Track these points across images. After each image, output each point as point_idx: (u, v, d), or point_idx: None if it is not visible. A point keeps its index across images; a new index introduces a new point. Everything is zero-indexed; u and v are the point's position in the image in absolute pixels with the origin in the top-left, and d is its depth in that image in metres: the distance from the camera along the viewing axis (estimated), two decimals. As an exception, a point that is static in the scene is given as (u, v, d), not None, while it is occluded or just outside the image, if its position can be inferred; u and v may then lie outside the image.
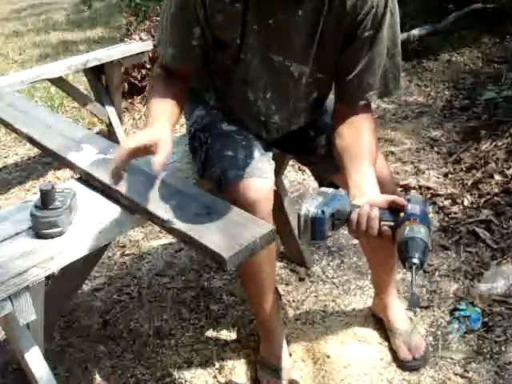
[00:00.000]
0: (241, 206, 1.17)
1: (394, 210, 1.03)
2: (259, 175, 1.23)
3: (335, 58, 1.23)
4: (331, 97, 1.37)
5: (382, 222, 1.02)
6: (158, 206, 1.17)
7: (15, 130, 1.72)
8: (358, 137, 1.20)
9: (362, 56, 1.18)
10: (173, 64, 1.24)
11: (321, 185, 1.56)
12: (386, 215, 1.03)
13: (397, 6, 1.18)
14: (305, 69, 1.24)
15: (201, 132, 1.38)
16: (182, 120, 3.33)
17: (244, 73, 1.25)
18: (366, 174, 1.13)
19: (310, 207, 1.03)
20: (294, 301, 1.76)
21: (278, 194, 1.71)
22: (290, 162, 2.20)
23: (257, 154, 1.28)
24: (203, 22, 1.17)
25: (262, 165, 1.26)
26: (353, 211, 1.03)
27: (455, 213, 2.07)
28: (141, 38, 3.33)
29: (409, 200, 1.05)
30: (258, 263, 1.29)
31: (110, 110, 2.89)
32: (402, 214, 1.02)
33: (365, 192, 1.09)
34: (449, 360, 1.50)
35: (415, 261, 0.96)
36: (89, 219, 1.19)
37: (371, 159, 1.17)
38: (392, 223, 1.02)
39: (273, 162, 1.32)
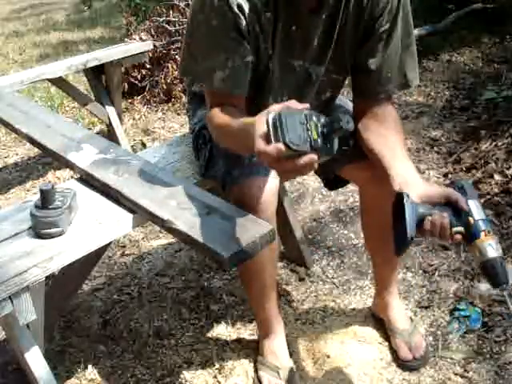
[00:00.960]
0: (245, 206, 1.16)
1: (455, 208, 1.03)
2: (265, 174, 1.22)
3: (351, 57, 1.23)
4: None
5: (453, 229, 1.03)
6: (158, 205, 1.17)
7: (15, 130, 1.72)
8: (385, 128, 1.21)
9: (379, 51, 1.19)
10: (225, 89, 1.13)
11: (326, 179, 1.55)
12: (454, 220, 1.03)
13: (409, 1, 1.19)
14: (321, 69, 1.24)
15: (206, 130, 1.38)
16: (182, 120, 3.35)
17: (269, 83, 1.22)
18: (405, 163, 1.14)
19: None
20: (294, 301, 1.76)
21: (278, 194, 1.71)
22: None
23: None
24: (246, 33, 1.11)
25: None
26: (425, 218, 1.02)
27: (455, 213, 2.07)
28: (141, 38, 3.34)
29: (462, 189, 1.05)
30: (260, 263, 1.29)
31: (110, 110, 2.89)
32: (471, 219, 1.02)
33: (414, 183, 1.09)
34: (449, 360, 1.50)
35: (507, 287, 1.00)
36: (89, 219, 1.19)
37: (404, 148, 1.18)
38: (462, 228, 1.03)
39: None
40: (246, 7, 1.09)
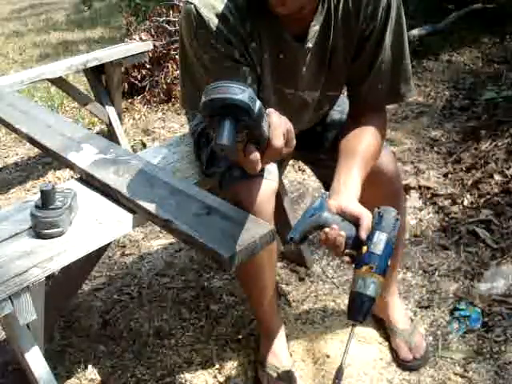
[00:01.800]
0: (241, 206, 1.16)
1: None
2: (265, 176, 1.22)
3: (345, 74, 1.24)
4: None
5: (347, 250, 1.03)
6: (158, 206, 1.17)
7: (15, 130, 1.72)
8: (358, 137, 1.21)
9: (368, 67, 1.20)
10: None
11: (325, 184, 1.56)
12: (351, 241, 1.02)
13: (402, 10, 1.17)
14: (316, 93, 1.26)
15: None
16: (182, 120, 3.34)
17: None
18: (352, 174, 1.13)
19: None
20: (294, 301, 1.76)
21: (278, 194, 1.71)
22: (290, 162, 2.20)
23: None
24: (241, 59, 1.10)
25: (268, 166, 1.26)
26: (324, 228, 1.02)
27: (455, 213, 2.07)
28: (141, 38, 3.34)
29: (380, 217, 1.04)
30: (259, 264, 1.29)
31: (110, 110, 2.89)
32: (364, 248, 1.02)
33: (342, 191, 1.09)
34: (449, 360, 1.50)
35: (357, 323, 1.03)
36: (89, 219, 1.19)
37: (364, 161, 1.17)
38: (354, 253, 1.03)
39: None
40: (233, 38, 1.08)
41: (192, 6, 1.06)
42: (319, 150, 1.43)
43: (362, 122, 1.23)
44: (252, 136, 0.77)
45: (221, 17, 1.06)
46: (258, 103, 0.75)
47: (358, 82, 1.23)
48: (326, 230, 1.02)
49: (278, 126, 0.79)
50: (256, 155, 0.78)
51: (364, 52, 1.19)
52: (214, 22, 1.05)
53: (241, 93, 0.72)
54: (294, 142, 0.84)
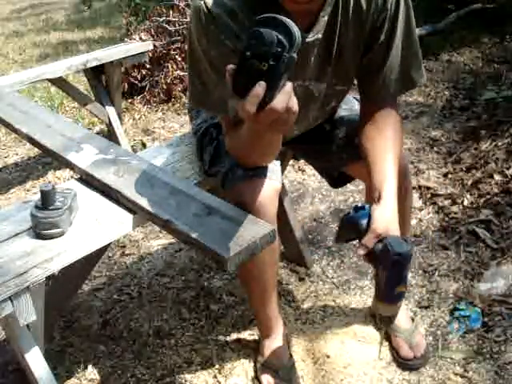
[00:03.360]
0: (244, 207, 1.16)
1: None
2: (269, 177, 1.22)
3: (354, 67, 1.23)
4: None
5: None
6: (158, 206, 1.17)
7: (15, 130, 1.72)
8: (381, 137, 1.21)
9: (382, 58, 1.19)
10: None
11: (330, 177, 1.55)
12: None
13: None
14: (323, 85, 1.25)
15: (213, 128, 1.38)
16: (182, 120, 3.34)
17: None
18: (387, 177, 1.15)
19: None
20: (293, 301, 1.76)
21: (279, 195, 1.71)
22: (290, 162, 2.20)
23: None
24: None
25: (272, 166, 1.25)
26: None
27: (455, 213, 2.07)
28: (141, 38, 3.34)
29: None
30: (261, 264, 1.29)
31: (110, 110, 2.89)
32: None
33: (383, 202, 1.11)
34: (449, 360, 1.50)
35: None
36: (89, 219, 1.19)
37: (393, 159, 1.18)
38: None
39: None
40: (242, 33, 1.07)
41: (202, 2, 1.06)
42: (330, 144, 1.42)
43: (380, 121, 1.23)
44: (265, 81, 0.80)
45: (230, 12, 1.06)
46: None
47: (371, 75, 1.22)
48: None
49: (287, 94, 0.82)
50: (258, 93, 0.79)
51: (376, 44, 1.18)
52: (223, 17, 1.05)
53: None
54: (288, 127, 0.86)
